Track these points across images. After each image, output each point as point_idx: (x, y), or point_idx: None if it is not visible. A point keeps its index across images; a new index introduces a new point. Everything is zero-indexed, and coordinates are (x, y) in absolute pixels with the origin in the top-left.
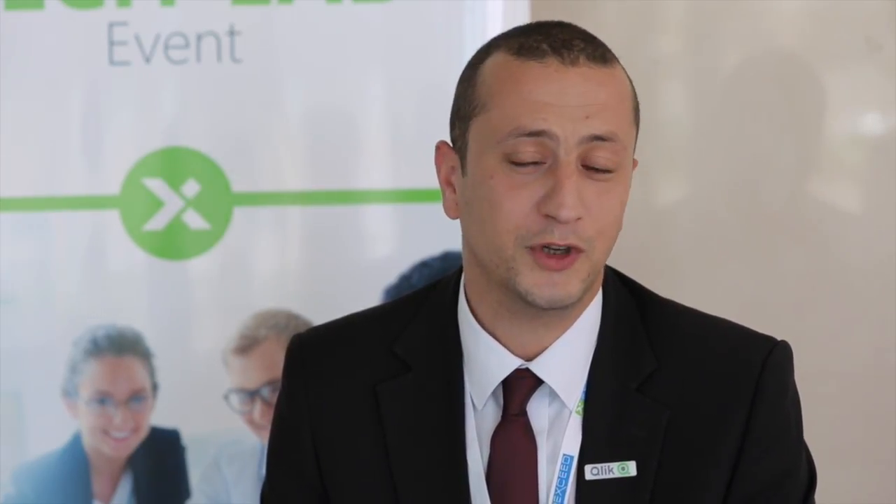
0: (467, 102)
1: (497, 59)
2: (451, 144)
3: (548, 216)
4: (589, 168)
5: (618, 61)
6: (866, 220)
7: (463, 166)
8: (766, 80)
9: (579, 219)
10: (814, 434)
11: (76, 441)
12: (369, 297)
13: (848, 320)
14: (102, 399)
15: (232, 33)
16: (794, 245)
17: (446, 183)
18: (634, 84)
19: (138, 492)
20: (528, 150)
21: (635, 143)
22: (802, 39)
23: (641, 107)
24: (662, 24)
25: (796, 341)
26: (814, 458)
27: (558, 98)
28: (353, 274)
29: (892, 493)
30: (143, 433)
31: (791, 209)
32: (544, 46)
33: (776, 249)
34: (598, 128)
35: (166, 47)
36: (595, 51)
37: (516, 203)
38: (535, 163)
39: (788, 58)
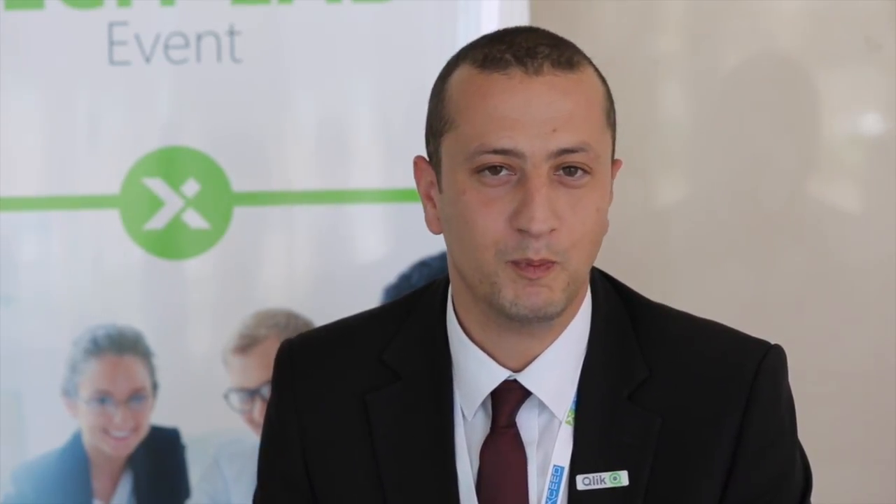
0: (438, 118)
1: (462, 73)
2: (427, 159)
3: (521, 230)
4: (561, 177)
5: (588, 63)
6: (866, 220)
7: (439, 182)
8: (766, 80)
9: (553, 230)
10: (814, 434)
11: (76, 440)
12: (369, 297)
13: (848, 320)
14: (102, 398)
15: (232, 33)
16: (794, 245)
17: (426, 198)
18: (634, 84)
19: (138, 491)
20: (496, 164)
21: (613, 145)
22: (802, 39)
23: (641, 107)
24: (662, 24)
25: (795, 341)
26: (814, 458)
27: (523, 112)
28: (353, 274)
29: (892, 493)
30: (143, 432)
31: (791, 209)
32: (508, 56)
33: (776, 249)
34: (566, 141)
35: (166, 47)
36: (561, 56)
37: (490, 219)
38: (506, 171)
39: (788, 58)
